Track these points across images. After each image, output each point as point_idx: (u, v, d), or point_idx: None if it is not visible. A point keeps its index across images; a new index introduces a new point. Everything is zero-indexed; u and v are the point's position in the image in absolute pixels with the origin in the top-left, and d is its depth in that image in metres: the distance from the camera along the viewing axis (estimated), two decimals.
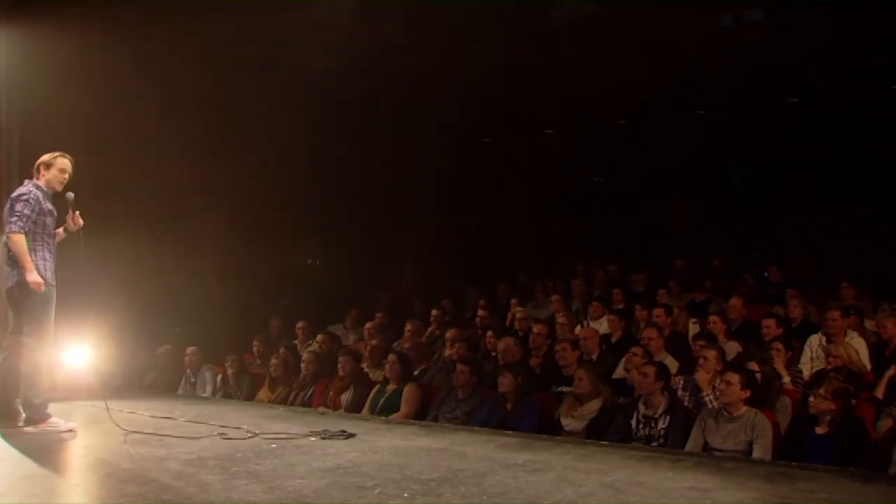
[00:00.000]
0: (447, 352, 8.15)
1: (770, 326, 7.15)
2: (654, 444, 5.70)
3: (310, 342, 9.30)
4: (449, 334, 8.39)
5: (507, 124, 12.42)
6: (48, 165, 5.88)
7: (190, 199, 9.75)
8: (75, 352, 7.89)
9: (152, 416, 6.44)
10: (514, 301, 9.85)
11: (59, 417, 5.87)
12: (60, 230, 6.00)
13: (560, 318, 8.48)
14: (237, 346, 9.23)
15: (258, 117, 10.01)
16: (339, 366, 7.70)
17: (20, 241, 5.64)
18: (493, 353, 7.83)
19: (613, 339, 8.01)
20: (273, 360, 8.30)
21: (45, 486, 4.53)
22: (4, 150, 8.12)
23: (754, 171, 12.46)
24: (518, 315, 9.04)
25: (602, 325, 8.36)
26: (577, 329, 8.35)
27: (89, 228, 6.05)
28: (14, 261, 5.68)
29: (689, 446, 5.57)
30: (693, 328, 8.07)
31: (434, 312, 9.61)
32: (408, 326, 9.20)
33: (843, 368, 5.97)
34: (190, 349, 9.02)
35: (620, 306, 9.07)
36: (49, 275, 5.76)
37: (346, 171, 11.33)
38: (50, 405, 5.92)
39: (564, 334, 7.99)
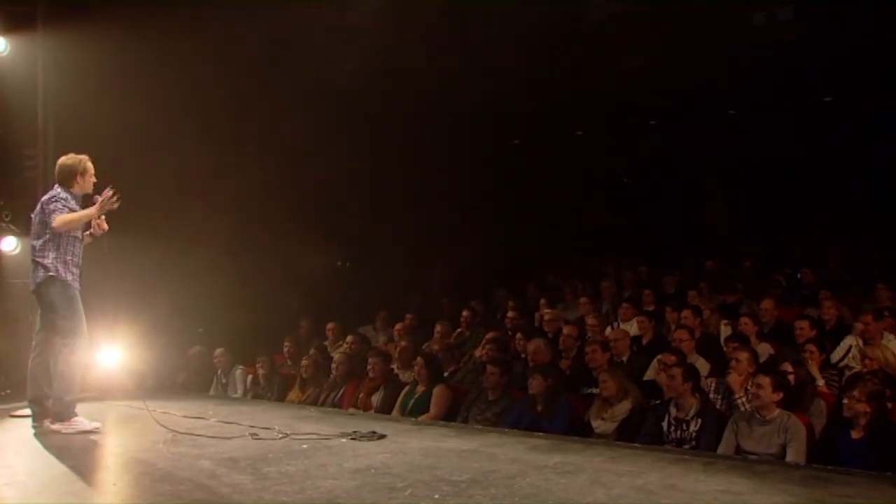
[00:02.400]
0: (478, 353, 8.14)
1: (803, 328, 7.06)
2: (686, 446, 5.65)
3: (340, 343, 9.34)
4: (487, 336, 8.36)
5: (537, 125, 12.39)
6: (83, 172, 5.95)
7: (223, 201, 9.82)
8: (108, 352, 8.03)
9: (185, 416, 6.50)
10: (542, 302, 9.82)
11: (85, 417, 5.90)
12: (87, 234, 6.05)
13: (590, 319, 8.44)
14: (268, 347, 9.29)
15: (285, 121, 10.06)
16: (369, 367, 7.72)
17: (63, 218, 5.66)
18: (523, 355, 7.81)
19: (644, 341, 7.96)
20: (304, 361, 8.35)
21: (81, 484, 4.59)
22: (41, 153, 8.25)
23: (787, 172, 12.31)
24: (546, 316, 9.01)
25: (632, 327, 8.30)
26: (608, 331, 8.31)
27: (113, 231, 6.11)
28: (37, 263, 5.74)
29: (721, 449, 5.52)
30: (725, 330, 7.99)
31: (464, 314, 9.60)
32: (437, 328, 9.21)
33: (879, 371, 5.88)
34: (218, 350, 9.09)
35: (651, 308, 9.01)
36: (69, 277, 5.78)
37: (377, 172, 11.37)
38: (79, 405, 5.98)
39: (595, 335, 7.95)
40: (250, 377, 8.83)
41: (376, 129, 11.04)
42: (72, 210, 5.78)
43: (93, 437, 5.78)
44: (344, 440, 5.51)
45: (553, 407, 6.37)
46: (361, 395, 7.65)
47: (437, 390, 7.12)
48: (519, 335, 8.25)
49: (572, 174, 13.14)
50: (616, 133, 12.67)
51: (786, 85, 10.65)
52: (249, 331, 9.86)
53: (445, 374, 7.78)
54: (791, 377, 5.84)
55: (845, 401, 5.20)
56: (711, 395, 6.31)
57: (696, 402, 5.84)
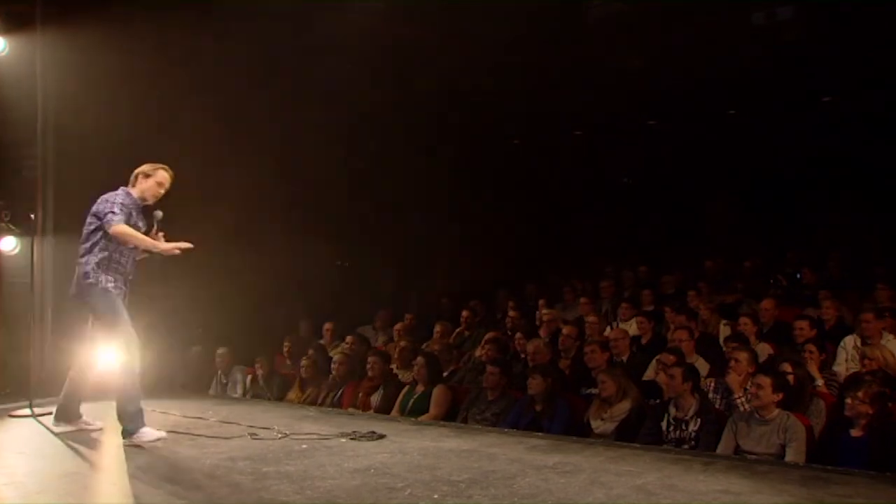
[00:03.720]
0: (477, 353, 8.14)
1: (803, 328, 7.06)
2: (685, 446, 5.66)
3: (337, 343, 9.34)
4: (487, 336, 8.37)
5: (536, 125, 12.38)
6: (147, 175, 5.63)
7: (221, 199, 9.81)
8: (107, 352, 8.01)
9: (184, 416, 6.50)
10: (542, 302, 9.82)
11: (153, 430, 5.84)
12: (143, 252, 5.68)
13: (590, 318, 8.44)
14: (268, 347, 9.28)
15: (289, 121, 10.06)
16: (369, 367, 7.73)
17: (123, 229, 5.34)
18: (523, 355, 7.81)
19: (643, 341, 7.96)
20: (304, 361, 8.35)
21: (81, 484, 4.60)
22: (41, 154, 8.24)
23: (787, 172, 12.30)
24: (546, 317, 9.01)
25: (631, 327, 8.31)
26: (607, 331, 8.32)
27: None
28: (79, 267, 5.44)
29: (720, 449, 5.53)
30: (724, 330, 7.99)
31: (464, 314, 9.60)
32: (437, 328, 9.21)
33: (879, 371, 5.88)
34: (220, 350, 9.09)
35: (650, 308, 9.01)
36: (109, 284, 5.41)
37: (376, 171, 11.36)
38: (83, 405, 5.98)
39: (594, 335, 7.95)
40: (250, 377, 8.83)
41: (375, 129, 11.03)
42: (128, 213, 5.44)
43: (93, 436, 5.78)
44: (343, 440, 5.52)
45: (552, 407, 6.38)
46: (361, 395, 7.66)
47: (437, 390, 7.12)
48: (519, 335, 8.25)
49: (572, 174, 13.13)
50: (615, 133, 12.67)
51: (785, 85, 10.64)
52: (249, 331, 9.86)
53: (445, 374, 7.78)
54: (790, 377, 5.84)
55: (848, 401, 5.20)
56: (710, 395, 6.32)
57: (695, 401, 5.84)
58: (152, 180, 5.63)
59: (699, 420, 5.74)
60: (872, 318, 6.73)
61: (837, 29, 9.59)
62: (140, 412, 5.45)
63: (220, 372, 9.04)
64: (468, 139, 11.96)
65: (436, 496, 4.11)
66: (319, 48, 9.45)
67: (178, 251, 5.50)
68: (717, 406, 6.17)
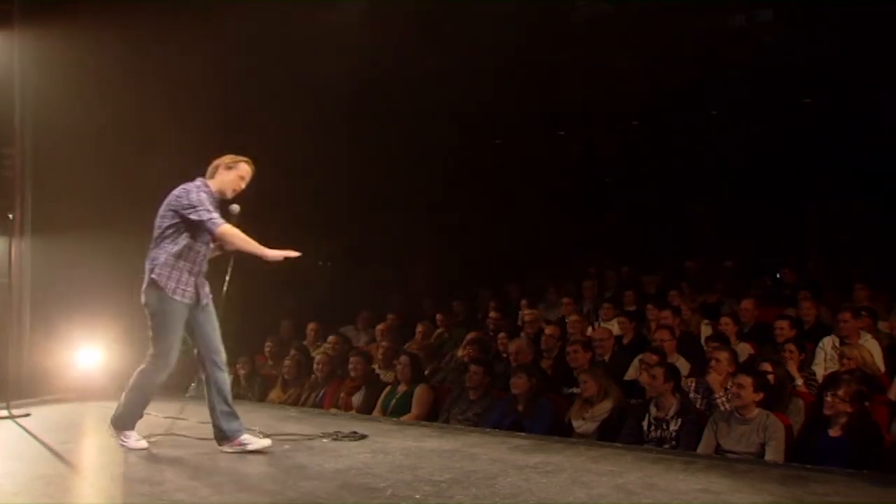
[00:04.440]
0: (460, 353, 8.15)
1: (783, 328, 7.11)
2: (666, 446, 5.68)
3: (319, 343, 9.31)
4: (468, 337, 8.37)
5: (518, 125, 12.40)
6: (229, 167, 5.29)
7: None
8: (88, 352, 7.97)
9: (165, 417, 6.45)
10: (524, 302, 9.84)
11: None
12: (216, 246, 5.30)
13: (571, 318, 8.46)
14: (249, 347, 9.24)
15: (266, 118, 10.02)
16: (351, 367, 7.71)
17: (230, 230, 5.02)
18: (505, 355, 7.82)
19: (625, 341, 7.99)
20: (286, 362, 8.32)
21: (59, 485, 4.56)
22: (18, 152, 8.17)
23: (768, 172, 12.39)
24: (528, 317, 9.03)
25: (613, 327, 8.34)
26: (589, 330, 8.35)
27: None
28: (147, 262, 5.12)
29: (701, 448, 5.55)
30: (706, 330, 8.04)
31: (438, 317, 9.60)
32: (419, 328, 9.21)
33: (857, 370, 5.93)
34: None
35: (632, 308, 9.05)
36: (171, 285, 5.04)
37: (356, 171, 11.34)
38: (59, 406, 5.90)
39: (576, 335, 7.98)
40: (231, 377, 8.77)
41: (356, 128, 11.00)
42: (208, 206, 5.04)
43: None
44: (325, 440, 5.51)
45: (535, 407, 6.39)
46: (343, 395, 7.64)
47: (419, 390, 7.12)
48: (502, 335, 8.26)
49: (554, 174, 13.16)
50: (597, 133, 12.71)
51: (765, 86, 10.72)
52: (230, 331, 9.79)
53: (426, 374, 7.78)
54: (771, 377, 5.88)
55: (828, 399, 5.23)
56: (691, 395, 6.34)
57: (676, 401, 5.87)
58: (234, 173, 5.30)
59: (680, 420, 5.76)
60: (850, 318, 6.79)
61: (816, 31, 9.67)
62: (135, 419, 5.29)
63: (201, 372, 8.97)
64: (451, 139, 11.96)
65: (417, 496, 4.11)
66: (302, 46, 9.43)
67: (282, 258, 5.09)
68: (697, 406, 6.20)
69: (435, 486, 4.27)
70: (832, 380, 5.48)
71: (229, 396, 5.30)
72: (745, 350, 7.12)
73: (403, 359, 7.39)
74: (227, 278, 5.41)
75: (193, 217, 4.99)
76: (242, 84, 9.62)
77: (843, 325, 6.78)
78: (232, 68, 9.32)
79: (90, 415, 6.83)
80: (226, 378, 5.35)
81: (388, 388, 7.42)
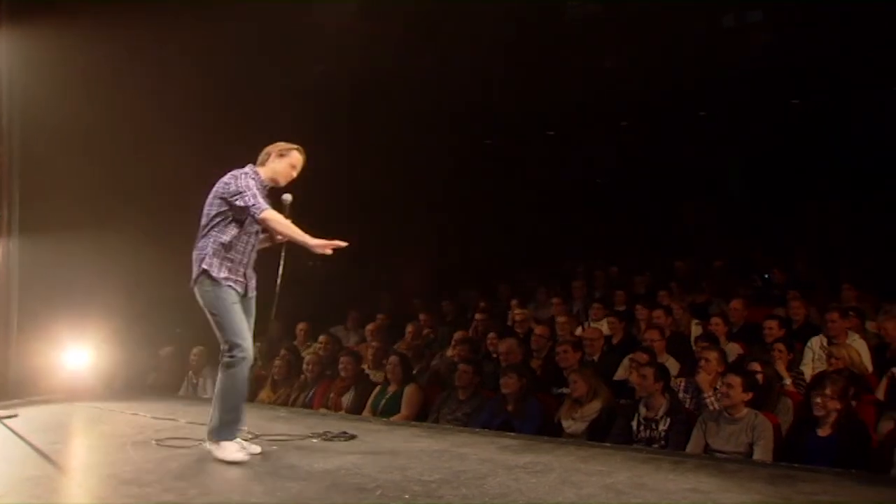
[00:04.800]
0: (449, 352, 8.15)
1: (772, 328, 7.14)
2: (655, 445, 5.70)
3: (309, 343, 9.29)
4: (455, 336, 8.37)
5: (509, 125, 12.41)
6: (281, 155, 5.08)
7: (192, 199, 9.72)
8: (76, 353, 7.94)
9: (154, 418, 6.43)
10: (514, 302, 9.84)
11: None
12: (265, 236, 5.14)
13: (560, 319, 8.47)
14: None
15: (260, 118, 9.99)
16: (341, 367, 7.70)
17: (273, 215, 4.84)
18: (494, 355, 7.82)
19: (614, 341, 8.01)
20: (276, 362, 8.30)
21: (48, 486, 4.54)
22: (5, 151, 8.12)
23: (757, 173, 12.44)
24: (518, 317, 9.04)
25: (602, 327, 8.35)
26: (578, 330, 8.36)
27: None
28: (195, 252, 4.93)
29: (689, 448, 5.57)
30: (696, 330, 8.06)
31: (422, 317, 9.60)
32: (408, 328, 9.20)
33: (845, 370, 5.96)
34: (196, 349, 9.00)
35: (622, 308, 9.06)
36: (223, 273, 4.85)
37: (346, 171, 11.32)
38: (47, 407, 5.85)
39: (565, 335, 7.98)
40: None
41: (348, 128, 10.99)
42: (255, 191, 4.86)
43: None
44: (315, 441, 5.49)
45: (524, 407, 6.39)
46: (332, 395, 7.63)
47: (408, 390, 7.11)
48: (492, 335, 8.26)
49: (544, 174, 13.18)
50: (588, 133, 12.73)
51: (755, 87, 10.76)
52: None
53: (415, 373, 7.77)
54: (759, 376, 5.90)
55: (818, 400, 5.25)
56: (681, 395, 6.36)
57: (665, 401, 5.88)
58: (286, 161, 5.09)
59: (669, 420, 5.78)
60: (838, 318, 6.82)
61: (806, 32, 9.72)
62: (234, 423, 4.94)
63: (190, 372, 8.96)
64: (442, 139, 11.96)
65: (406, 496, 4.10)
66: (296, 46, 9.42)
67: (329, 251, 4.89)
68: (687, 405, 6.22)
69: (424, 486, 4.27)
70: (820, 379, 5.50)
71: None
72: (734, 350, 7.15)
73: (393, 359, 7.39)
74: (280, 271, 5.24)
75: (239, 203, 4.83)
76: (234, 83, 9.61)
77: (831, 325, 6.81)
78: (223, 67, 9.31)
79: (78, 415, 6.80)
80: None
81: (377, 389, 7.41)
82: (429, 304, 10.23)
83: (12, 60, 7.98)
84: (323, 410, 7.43)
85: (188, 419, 6.39)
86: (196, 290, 4.92)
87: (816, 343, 6.94)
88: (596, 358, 7.41)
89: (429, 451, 5.22)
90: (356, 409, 7.32)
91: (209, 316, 4.92)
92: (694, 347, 7.33)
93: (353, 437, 5.56)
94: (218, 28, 8.65)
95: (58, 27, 7.61)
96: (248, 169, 5.02)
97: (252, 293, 5.07)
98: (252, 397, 8.27)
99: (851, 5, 8.74)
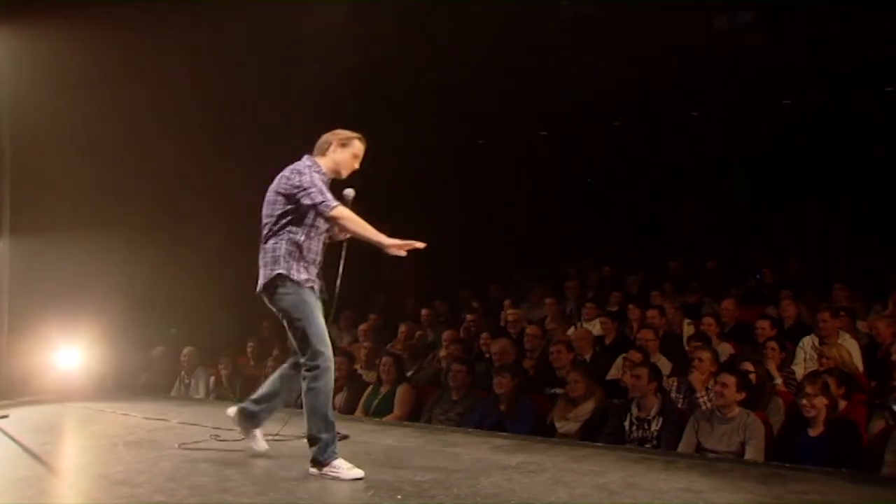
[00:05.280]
0: (441, 353, 8.14)
1: (764, 328, 7.16)
2: (648, 445, 5.70)
3: None
4: (445, 336, 8.38)
5: (501, 126, 12.42)
6: (343, 144, 4.72)
7: (185, 199, 9.71)
8: (67, 353, 7.91)
9: (145, 418, 6.42)
10: (507, 302, 9.85)
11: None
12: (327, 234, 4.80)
13: (549, 324, 8.48)
14: (231, 347, 9.20)
15: (253, 118, 9.98)
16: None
17: (345, 212, 4.51)
18: (487, 355, 7.82)
19: (607, 341, 8.02)
20: (270, 363, 8.28)
21: (38, 487, 4.52)
22: None
23: (748, 173, 12.48)
24: (510, 317, 9.04)
25: (595, 327, 8.36)
26: (571, 331, 8.36)
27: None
28: (263, 253, 4.59)
29: (681, 448, 5.58)
30: (688, 329, 8.08)
31: (424, 312, 9.60)
32: (401, 328, 9.19)
33: (836, 370, 5.98)
34: (186, 350, 8.99)
35: (615, 308, 9.07)
36: (302, 276, 4.55)
37: None
38: (39, 408, 5.83)
39: (557, 337, 7.99)
40: (213, 378, 8.75)
41: (338, 127, 10.97)
42: (321, 187, 4.53)
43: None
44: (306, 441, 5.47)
45: (517, 407, 6.39)
46: None
47: (401, 390, 7.11)
48: (485, 335, 8.26)
49: (536, 174, 13.19)
50: (580, 134, 12.75)
51: (746, 88, 10.79)
52: (211, 331, 9.77)
53: (409, 374, 7.77)
54: (752, 376, 5.91)
55: (803, 401, 5.27)
56: (673, 395, 6.37)
57: (657, 401, 5.89)
58: (348, 151, 4.73)
59: (661, 419, 5.79)
60: (829, 318, 6.84)
61: (797, 33, 9.75)
62: (333, 440, 4.51)
63: (182, 373, 8.95)
64: (435, 138, 11.96)
65: (399, 496, 4.10)
66: (289, 47, 9.40)
67: (404, 252, 4.60)
68: (679, 405, 6.23)
69: (416, 486, 4.27)
70: (810, 378, 5.51)
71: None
72: (725, 350, 7.17)
73: (386, 359, 7.37)
74: (341, 271, 4.82)
75: (305, 201, 4.47)
76: (227, 83, 9.59)
77: (823, 325, 6.83)
78: (216, 67, 9.29)
79: (70, 416, 6.78)
80: None
81: (370, 389, 7.40)
82: (423, 304, 10.22)
83: (3, 60, 7.96)
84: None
85: (180, 420, 6.38)
86: (269, 295, 4.57)
87: (808, 343, 6.96)
88: (587, 358, 7.41)
89: (421, 451, 5.22)
90: (348, 410, 7.31)
91: (288, 322, 4.54)
92: (686, 347, 7.34)
93: (345, 437, 5.54)
94: (211, 28, 8.64)
95: (49, 27, 7.59)
96: (308, 161, 4.65)
97: (323, 296, 4.72)
98: (245, 397, 8.25)
99: (843, 6, 8.77)
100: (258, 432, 5.03)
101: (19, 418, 6.47)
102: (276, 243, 4.55)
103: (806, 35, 9.65)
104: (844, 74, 10.30)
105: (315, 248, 4.63)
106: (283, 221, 4.55)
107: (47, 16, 7.63)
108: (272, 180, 4.72)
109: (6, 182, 8.05)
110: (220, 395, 8.51)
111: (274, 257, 4.53)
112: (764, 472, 4.69)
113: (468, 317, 9.20)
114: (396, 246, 4.55)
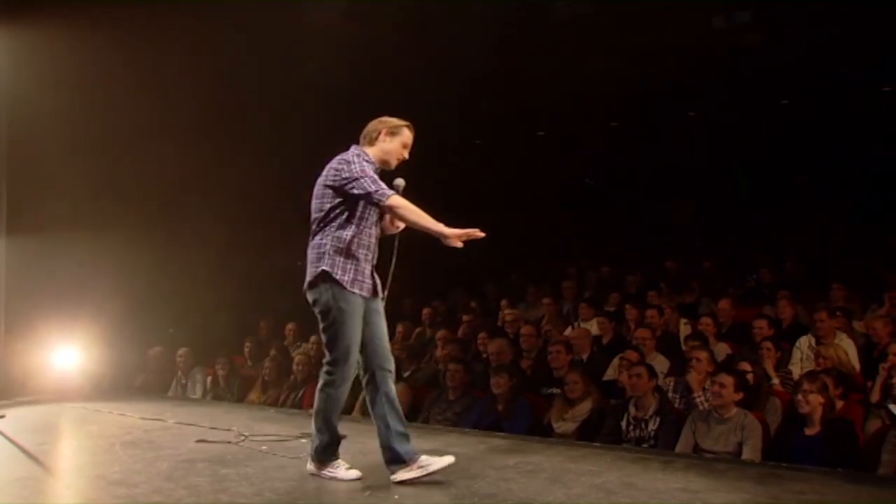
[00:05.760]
0: (438, 352, 8.14)
1: (762, 327, 7.15)
2: (645, 445, 5.70)
3: (299, 343, 9.28)
4: (439, 335, 8.38)
5: (498, 126, 12.41)
6: (392, 133, 4.52)
7: (183, 199, 9.71)
8: (65, 353, 7.91)
9: (142, 419, 6.41)
10: (504, 302, 9.85)
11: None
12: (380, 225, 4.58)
13: (546, 324, 8.48)
14: (228, 347, 9.20)
15: (253, 118, 9.98)
16: None
17: (402, 203, 4.27)
18: (484, 355, 7.82)
19: (604, 342, 8.01)
20: (267, 364, 8.28)
21: (35, 487, 4.52)
22: None
23: (746, 174, 12.49)
24: (508, 317, 9.03)
25: (592, 327, 8.35)
26: (568, 331, 8.36)
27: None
28: (310, 249, 4.38)
29: (679, 448, 5.57)
30: (685, 329, 8.07)
31: (425, 311, 9.59)
32: (399, 328, 9.19)
33: (833, 370, 5.98)
34: (181, 350, 8.99)
35: (612, 308, 9.07)
36: (347, 276, 4.30)
37: None
38: (35, 408, 5.83)
39: (554, 337, 7.98)
40: (210, 378, 8.74)
41: (336, 130, 10.97)
42: (373, 175, 4.29)
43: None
44: (304, 441, 5.47)
45: (514, 407, 6.39)
46: None
47: (398, 390, 7.08)
48: (482, 335, 8.26)
49: (534, 174, 13.19)
50: (578, 134, 12.75)
51: (744, 88, 10.79)
52: (208, 331, 9.77)
53: (406, 374, 7.76)
54: (749, 376, 5.91)
55: (798, 397, 5.27)
56: (670, 394, 6.37)
57: (654, 401, 5.89)
58: (398, 140, 4.52)
59: (658, 419, 5.79)
60: (826, 318, 6.83)
61: (795, 32, 9.75)
62: (334, 442, 4.48)
63: (179, 373, 8.94)
64: (431, 137, 11.93)
65: (396, 497, 4.10)
66: (285, 46, 9.40)
67: (460, 242, 4.29)
68: (676, 405, 6.23)
69: (413, 486, 4.26)
70: (806, 378, 5.52)
71: (402, 413, 4.50)
72: (722, 350, 7.16)
73: None
74: (392, 268, 4.64)
75: (356, 191, 4.23)
76: (228, 83, 9.59)
77: (820, 325, 6.83)
78: (217, 67, 9.29)
79: (67, 416, 6.78)
80: (395, 391, 4.54)
81: None
82: (422, 304, 10.21)
83: (2, 60, 7.96)
84: (311, 411, 7.39)
85: (177, 420, 6.38)
86: (311, 293, 4.37)
87: (805, 343, 6.95)
88: (584, 358, 7.41)
89: (418, 451, 5.21)
90: (346, 410, 7.25)
91: (322, 322, 4.36)
92: (683, 347, 7.34)
93: (342, 437, 5.54)
94: (211, 28, 8.64)
95: (48, 27, 7.59)
96: (356, 150, 4.43)
97: (382, 294, 4.51)
98: (241, 398, 8.28)
99: (842, 6, 8.77)
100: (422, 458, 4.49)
101: (16, 418, 6.47)
102: (322, 239, 4.33)
103: (804, 35, 9.65)
104: (843, 74, 10.30)
105: (366, 242, 4.38)
106: (333, 215, 4.32)
107: (46, 16, 7.63)
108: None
109: (4, 182, 8.05)
110: (217, 395, 8.51)
111: (319, 254, 4.32)
112: (761, 472, 4.69)
113: (464, 317, 9.20)
114: (456, 235, 4.26)
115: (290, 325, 9.66)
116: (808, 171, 11.74)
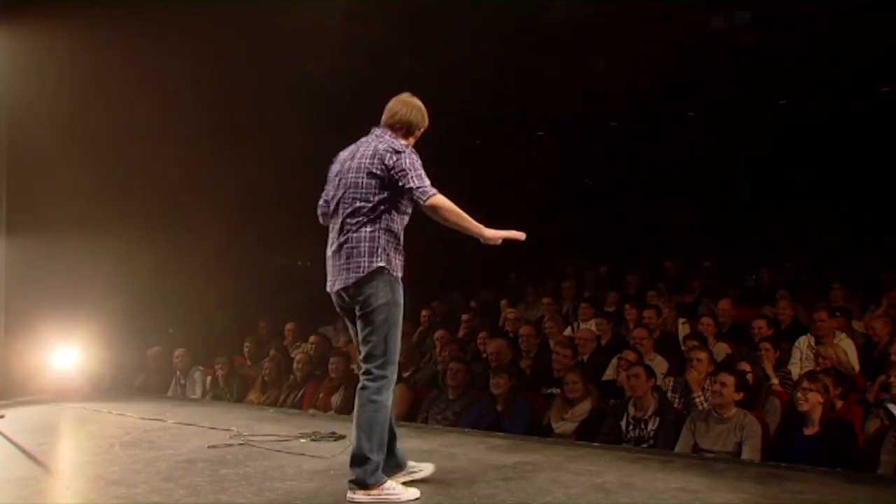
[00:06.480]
0: (437, 352, 8.14)
1: (761, 327, 7.15)
2: (644, 445, 5.70)
3: (298, 343, 9.28)
4: (437, 335, 8.37)
5: (498, 126, 12.41)
6: (421, 134, 4.38)
7: (182, 199, 9.71)
8: (64, 353, 7.91)
9: (142, 419, 6.42)
10: (504, 302, 9.84)
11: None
12: None
13: (547, 323, 8.47)
14: (227, 347, 9.20)
15: (252, 118, 9.99)
16: (331, 367, 7.68)
17: (445, 203, 4.05)
18: (484, 355, 7.82)
19: (603, 342, 8.01)
20: (266, 364, 8.28)
21: (35, 488, 4.53)
22: None
23: (745, 173, 12.49)
24: (509, 316, 9.04)
25: (591, 327, 8.35)
26: (567, 331, 8.36)
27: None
28: (349, 241, 4.08)
29: (678, 448, 5.58)
30: (683, 329, 8.08)
31: (424, 313, 9.59)
32: None
33: (832, 370, 5.98)
34: (178, 351, 8.99)
35: (612, 308, 9.07)
36: (400, 272, 4.15)
37: None
38: (35, 408, 5.83)
39: (553, 337, 7.99)
40: (209, 378, 8.74)
41: (337, 129, 10.97)
42: (422, 170, 4.10)
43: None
44: (303, 441, 5.48)
45: (513, 407, 6.39)
46: (321, 395, 7.61)
47: (397, 390, 7.07)
48: (482, 335, 8.26)
49: (533, 174, 13.19)
50: (578, 134, 12.75)
51: (743, 88, 10.79)
52: (208, 331, 9.76)
53: (406, 374, 7.76)
54: (749, 376, 5.91)
55: (798, 394, 5.27)
56: (669, 394, 6.37)
57: (654, 401, 5.89)
58: (420, 134, 4.38)
59: (658, 419, 5.79)
60: (825, 318, 6.84)
61: (794, 33, 9.74)
62: (380, 463, 4.04)
63: (178, 373, 8.94)
64: (430, 138, 11.94)
65: None
66: (283, 46, 9.40)
67: (499, 242, 4.20)
68: (675, 405, 6.23)
69: (413, 486, 4.26)
70: (806, 377, 5.52)
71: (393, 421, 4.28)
72: (722, 350, 7.16)
73: None
74: None
75: (404, 184, 4.01)
76: (228, 83, 9.59)
77: (819, 325, 6.83)
78: (217, 67, 9.29)
79: (66, 416, 6.78)
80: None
81: None
82: (418, 304, 10.21)
83: (1, 60, 7.96)
84: (312, 411, 7.42)
85: (176, 420, 6.38)
86: (362, 288, 4.04)
87: (804, 342, 6.95)
88: (584, 358, 7.41)
89: (418, 450, 5.21)
90: (345, 410, 7.29)
91: (372, 323, 4.05)
92: (682, 347, 7.34)
93: (341, 437, 5.55)
94: (211, 28, 8.63)
95: (48, 27, 7.59)
96: (402, 140, 4.21)
97: None
98: (240, 398, 8.28)
99: (841, 6, 8.77)
100: (410, 464, 4.42)
101: (16, 418, 6.48)
102: (372, 231, 4.04)
103: (804, 35, 9.65)
104: (842, 74, 10.31)
105: (402, 238, 4.18)
106: (382, 208, 4.07)
107: (46, 15, 7.62)
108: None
109: (4, 182, 8.06)
110: (217, 395, 8.51)
111: (372, 248, 4.02)
112: (760, 472, 4.70)
113: (463, 317, 9.20)
114: (497, 236, 4.15)
115: (289, 325, 9.66)
116: (808, 171, 11.74)
